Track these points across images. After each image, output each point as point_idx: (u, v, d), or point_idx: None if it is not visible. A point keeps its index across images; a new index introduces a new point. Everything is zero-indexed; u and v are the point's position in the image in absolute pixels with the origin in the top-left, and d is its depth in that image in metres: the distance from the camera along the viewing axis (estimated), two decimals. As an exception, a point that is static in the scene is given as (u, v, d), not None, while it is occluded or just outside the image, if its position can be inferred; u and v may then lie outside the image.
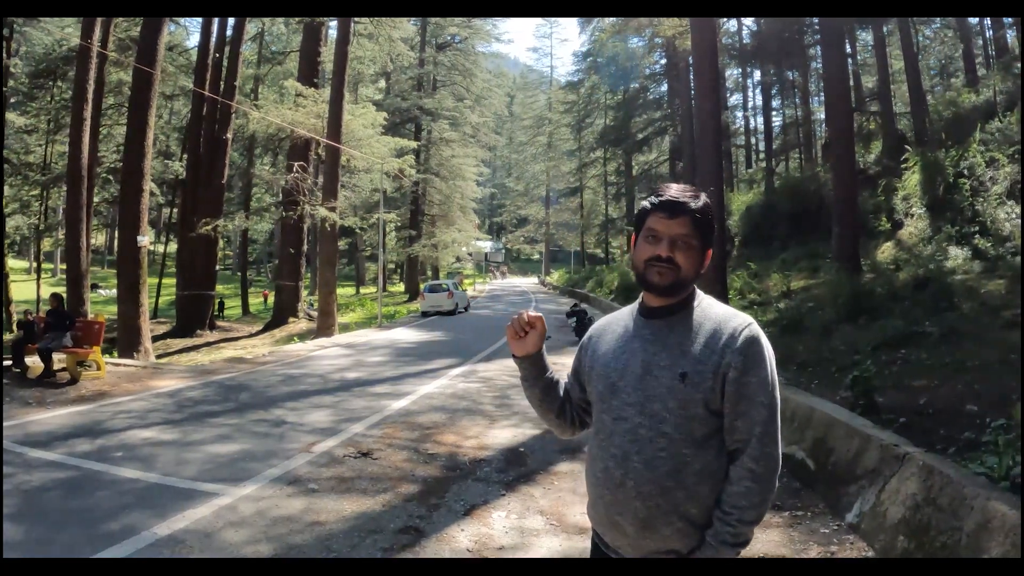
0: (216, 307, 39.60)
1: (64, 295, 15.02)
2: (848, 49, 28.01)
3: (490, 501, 5.54)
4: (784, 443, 6.41)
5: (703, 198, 1.92)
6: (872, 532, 4.49)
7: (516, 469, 6.45)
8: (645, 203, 1.97)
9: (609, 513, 1.91)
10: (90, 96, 20.39)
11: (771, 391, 1.84)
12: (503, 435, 7.79)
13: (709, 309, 1.94)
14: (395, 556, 4.43)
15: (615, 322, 2.09)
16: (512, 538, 4.79)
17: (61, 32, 29.33)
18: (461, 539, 4.73)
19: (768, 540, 4.66)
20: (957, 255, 13.79)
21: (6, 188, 26.30)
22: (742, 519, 1.81)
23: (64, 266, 26.99)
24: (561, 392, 2.20)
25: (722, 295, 15.38)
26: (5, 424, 7.76)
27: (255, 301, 44.66)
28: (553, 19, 77.84)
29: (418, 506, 5.36)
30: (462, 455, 6.93)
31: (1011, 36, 25.63)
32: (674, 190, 1.92)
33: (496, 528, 4.97)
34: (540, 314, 2.10)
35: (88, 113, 20.28)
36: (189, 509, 5.19)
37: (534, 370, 2.15)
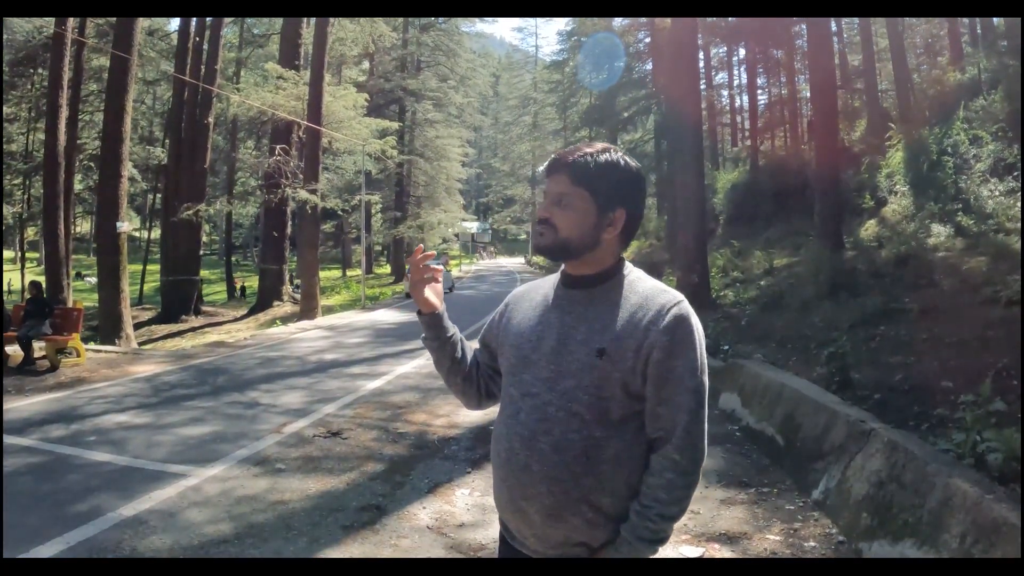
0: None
1: (43, 283, 14.96)
2: (833, 27, 27.95)
3: (455, 479, 5.59)
4: (754, 419, 6.51)
5: (601, 155, 1.74)
6: (837, 509, 4.48)
7: (484, 447, 6.47)
8: None
9: (514, 498, 1.76)
10: (65, 83, 20.23)
11: (700, 376, 1.69)
12: (474, 413, 7.74)
13: (637, 283, 1.76)
14: (355, 533, 4.47)
15: (535, 289, 1.92)
16: (473, 515, 4.84)
17: (41, 20, 29.03)
18: (422, 516, 4.78)
19: (732, 517, 4.67)
20: (940, 232, 13.82)
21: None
22: (663, 514, 1.66)
23: (50, 254, 26.74)
24: (470, 357, 2.04)
25: (703, 273, 15.48)
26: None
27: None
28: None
29: (382, 484, 5.42)
30: (431, 433, 7.00)
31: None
32: (569, 148, 1.77)
33: (458, 505, 5.02)
34: (440, 266, 1.93)
35: (64, 100, 20.12)
36: (156, 490, 5.23)
37: (438, 328, 1.98)
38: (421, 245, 1.96)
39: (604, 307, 1.73)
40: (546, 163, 1.79)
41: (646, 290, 1.74)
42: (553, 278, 1.88)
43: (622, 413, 1.69)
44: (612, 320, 1.70)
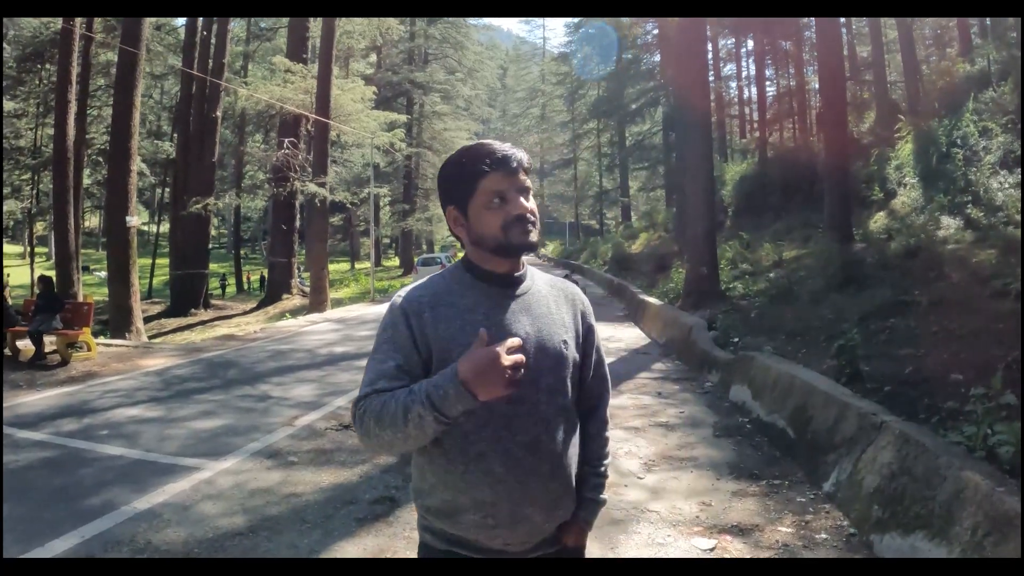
0: (219, 285, 39.62)
1: (54, 278, 14.99)
2: (842, 19, 27.78)
3: (466, 471, 5.57)
4: (765, 411, 6.51)
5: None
6: (848, 502, 4.47)
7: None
8: (473, 169, 1.72)
9: (516, 509, 1.68)
10: (74, 78, 20.30)
11: None
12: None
13: (536, 273, 1.86)
14: (369, 526, 4.49)
15: (445, 293, 1.74)
16: (485, 506, 4.82)
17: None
18: (434, 508, 4.77)
19: (744, 509, 4.65)
20: (949, 224, 13.72)
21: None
22: (607, 468, 1.94)
23: (59, 249, 26.83)
24: None
25: (712, 265, 15.43)
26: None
27: (252, 279, 44.66)
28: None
29: (394, 476, 5.42)
30: (442, 426, 6.97)
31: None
32: (497, 145, 1.73)
33: (470, 496, 5.00)
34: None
35: (72, 95, 20.20)
36: (169, 483, 5.27)
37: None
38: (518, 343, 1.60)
39: (542, 299, 1.82)
40: (503, 158, 1.72)
41: (550, 278, 1.91)
42: (452, 279, 1.78)
43: (573, 392, 1.83)
44: (556, 311, 1.82)
